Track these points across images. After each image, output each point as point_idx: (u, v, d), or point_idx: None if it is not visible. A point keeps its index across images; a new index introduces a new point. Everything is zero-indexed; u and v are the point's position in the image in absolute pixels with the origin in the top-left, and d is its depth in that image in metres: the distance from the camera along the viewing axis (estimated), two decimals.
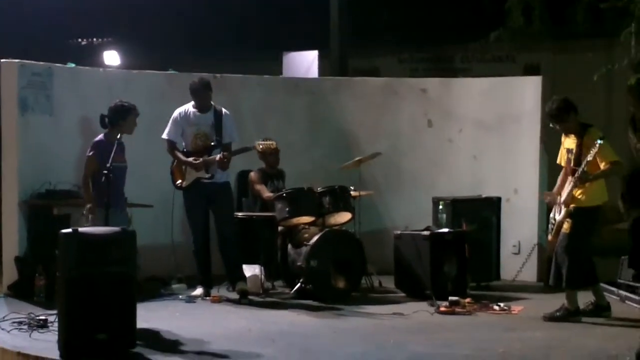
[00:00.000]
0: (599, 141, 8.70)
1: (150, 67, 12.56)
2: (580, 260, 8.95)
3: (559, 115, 9.06)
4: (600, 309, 9.14)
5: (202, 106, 10.23)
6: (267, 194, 10.91)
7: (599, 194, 9.04)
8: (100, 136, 9.21)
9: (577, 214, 8.96)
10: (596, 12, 14.07)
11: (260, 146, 10.49)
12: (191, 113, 10.26)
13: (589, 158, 8.75)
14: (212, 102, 10.27)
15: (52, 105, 10.87)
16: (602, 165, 8.86)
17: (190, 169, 10.13)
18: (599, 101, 18.36)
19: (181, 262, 10.81)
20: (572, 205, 8.96)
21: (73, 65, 11.54)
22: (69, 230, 7.51)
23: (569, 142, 9.15)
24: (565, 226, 9.01)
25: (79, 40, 23.13)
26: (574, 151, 9.02)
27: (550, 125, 9.24)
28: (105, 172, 8.36)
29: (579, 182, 8.88)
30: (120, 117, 9.16)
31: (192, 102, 10.28)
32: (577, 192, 8.96)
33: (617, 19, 13.08)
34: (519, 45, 17.67)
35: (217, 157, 9.99)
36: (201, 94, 10.22)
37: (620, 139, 13.39)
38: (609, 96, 17.51)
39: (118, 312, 7.38)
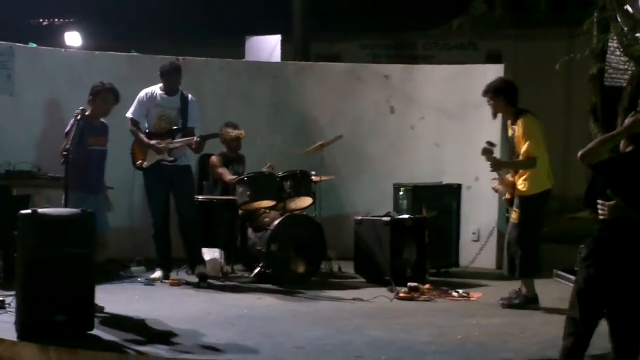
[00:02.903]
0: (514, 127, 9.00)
1: (112, 49, 12.48)
2: (533, 249, 9.01)
3: (487, 92, 9.16)
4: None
5: (170, 89, 10.20)
6: (229, 176, 10.89)
7: (541, 180, 9.05)
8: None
9: (523, 204, 9.00)
10: (558, 0, 14.15)
11: (231, 134, 10.51)
12: (158, 95, 10.21)
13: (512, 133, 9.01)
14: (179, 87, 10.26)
15: (12, 85, 10.79)
16: (521, 154, 8.96)
17: (151, 150, 10.08)
18: (560, 89, 18.50)
19: (140, 245, 10.75)
20: (517, 195, 9.03)
21: (34, 45, 11.44)
22: (28, 211, 7.45)
23: (510, 130, 9.24)
24: (514, 216, 9.05)
25: (41, 20, 22.92)
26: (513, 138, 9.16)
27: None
28: (65, 153, 8.24)
29: (492, 168, 9.10)
30: (91, 94, 9.01)
31: (160, 85, 10.22)
32: (520, 182, 9.02)
33: (578, 8, 13.15)
34: (481, 33, 17.73)
35: (194, 139, 9.96)
36: (171, 77, 10.19)
37: (580, 127, 13.49)
38: (569, 85, 17.63)
39: (76, 293, 7.34)
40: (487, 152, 9.06)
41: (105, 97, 8.94)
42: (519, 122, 9.00)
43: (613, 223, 5.64)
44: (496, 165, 9.13)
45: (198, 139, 10.00)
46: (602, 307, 5.68)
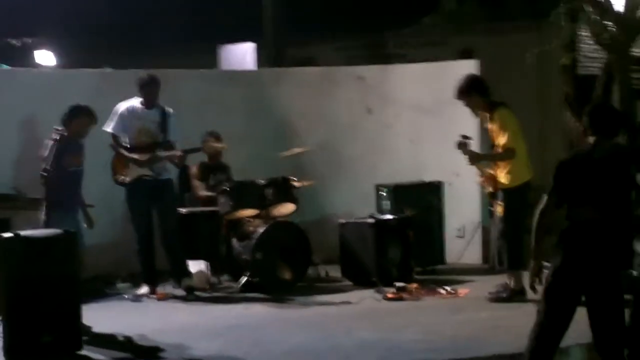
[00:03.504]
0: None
1: (84, 65, 12.43)
2: (519, 241, 9.03)
3: (460, 93, 9.20)
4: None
5: (149, 102, 10.12)
6: (201, 192, 10.88)
7: (521, 172, 9.11)
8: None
9: (506, 196, 9.05)
10: None
11: (212, 147, 10.49)
12: (138, 108, 10.13)
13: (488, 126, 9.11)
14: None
15: None
16: (499, 146, 9.00)
17: (133, 165, 10.02)
18: (534, 82, 18.53)
19: (124, 260, 10.69)
20: (500, 189, 9.06)
21: (5, 66, 11.39)
22: (10, 234, 7.41)
23: (487, 123, 9.27)
24: (499, 209, 9.09)
25: (11, 40, 22.81)
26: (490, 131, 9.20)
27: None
28: (45, 173, 8.19)
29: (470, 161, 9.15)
30: (67, 117, 8.98)
31: (139, 98, 10.15)
32: (501, 175, 9.05)
33: (548, 1, 13.19)
34: (453, 29, 17.75)
35: (177, 152, 9.92)
36: (149, 90, 10.09)
37: (556, 118, 13.51)
38: (544, 77, 17.65)
39: (63, 313, 7.31)
40: (463, 145, 9.10)
41: (81, 120, 8.96)
42: (495, 115, 9.05)
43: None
44: (474, 158, 9.16)
45: (181, 153, 9.96)
46: (571, 301, 5.66)
